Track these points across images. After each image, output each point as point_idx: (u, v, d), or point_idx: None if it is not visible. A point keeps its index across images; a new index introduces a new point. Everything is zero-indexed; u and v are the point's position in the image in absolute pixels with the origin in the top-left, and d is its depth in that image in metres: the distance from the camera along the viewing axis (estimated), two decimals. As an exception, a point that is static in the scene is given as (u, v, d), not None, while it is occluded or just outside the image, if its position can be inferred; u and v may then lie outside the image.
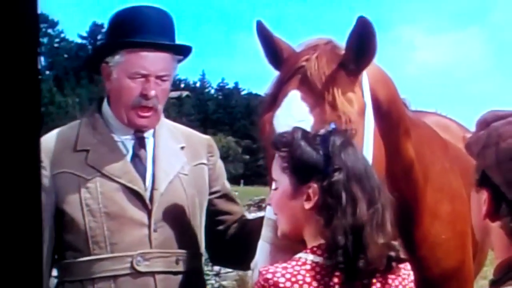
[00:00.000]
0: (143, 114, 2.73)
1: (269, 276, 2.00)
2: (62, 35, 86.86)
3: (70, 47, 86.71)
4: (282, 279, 1.99)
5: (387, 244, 2.08)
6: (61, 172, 2.69)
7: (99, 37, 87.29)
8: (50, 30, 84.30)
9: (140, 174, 2.75)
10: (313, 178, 2.10)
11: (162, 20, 2.80)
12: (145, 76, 2.71)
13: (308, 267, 2.03)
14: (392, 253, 2.09)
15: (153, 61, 2.72)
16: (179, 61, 2.88)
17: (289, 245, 2.20)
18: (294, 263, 2.05)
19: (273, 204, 2.23)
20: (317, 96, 2.39)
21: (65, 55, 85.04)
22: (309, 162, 2.11)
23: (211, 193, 2.97)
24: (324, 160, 2.10)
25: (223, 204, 3.01)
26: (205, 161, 2.96)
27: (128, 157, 2.78)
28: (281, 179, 2.18)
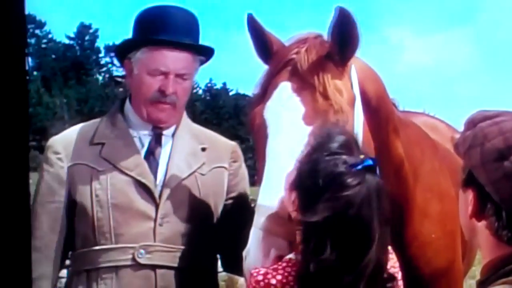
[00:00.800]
0: (162, 107, 2.78)
1: (260, 278, 2.01)
2: (50, 35, 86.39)
3: (57, 48, 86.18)
4: (273, 281, 2.00)
5: None
6: (76, 164, 2.76)
7: (86, 37, 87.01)
8: (37, 31, 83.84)
9: (152, 169, 2.79)
10: (301, 198, 2.04)
11: (186, 21, 2.83)
12: (164, 73, 2.75)
13: None
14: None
15: (173, 59, 2.76)
16: (202, 62, 2.91)
17: (280, 231, 2.19)
18: (284, 264, 2.05)
19: (287, 175, 2.14)
20: (308, 87, 2.39)
21: (53, 56, 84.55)
22: (311, 186, 2.01)
23: (228, 198, 2.97)
24: (321, 195, 1.97)
25: (238, 211, 2.95)
26: (226, 165, 2.97)
27: (142, 152, 2.82)
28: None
